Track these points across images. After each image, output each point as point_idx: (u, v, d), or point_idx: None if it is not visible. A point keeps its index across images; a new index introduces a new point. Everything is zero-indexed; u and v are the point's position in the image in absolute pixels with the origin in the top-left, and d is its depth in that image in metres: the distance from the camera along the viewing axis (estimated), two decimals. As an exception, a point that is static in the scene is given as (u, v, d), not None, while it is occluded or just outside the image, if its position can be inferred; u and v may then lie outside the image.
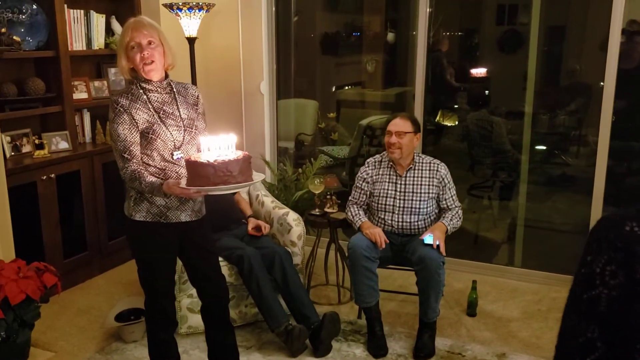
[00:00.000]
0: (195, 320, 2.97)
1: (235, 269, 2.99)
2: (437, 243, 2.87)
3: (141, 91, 2.25)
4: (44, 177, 3.37)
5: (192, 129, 2.34)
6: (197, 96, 2.43)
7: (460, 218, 3.08)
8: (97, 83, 3.97)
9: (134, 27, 2.23)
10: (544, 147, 4.72)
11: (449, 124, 5.44)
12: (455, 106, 5.33)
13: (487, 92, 5.12)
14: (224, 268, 2.98)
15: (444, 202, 3.10)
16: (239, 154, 2.12)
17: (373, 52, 6.18)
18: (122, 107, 2.20)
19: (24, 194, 3.29)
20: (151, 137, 2.23)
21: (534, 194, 4.43)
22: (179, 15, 3.67)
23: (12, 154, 3.42)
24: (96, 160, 3.70)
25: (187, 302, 2.99)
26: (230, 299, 3.03)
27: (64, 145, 3.62)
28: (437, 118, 5.39)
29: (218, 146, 2.11)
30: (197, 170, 2.05)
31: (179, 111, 2.31)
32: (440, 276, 2.84)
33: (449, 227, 3.00)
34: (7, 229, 2.91)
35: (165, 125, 2.26)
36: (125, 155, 2.21)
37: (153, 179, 2.20)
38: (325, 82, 6.20)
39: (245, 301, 3.10)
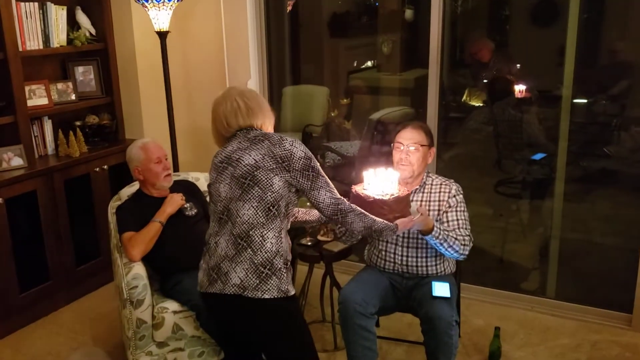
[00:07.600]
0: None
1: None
2: (449, 295, 2.31)
3: None
4: (-10, 203, 2.90)
5: None
6: None
7: (463, 245, 2.40)
8: (60, 85, 3.44)
9: None
10: (584, 137, 4.02)
11: (475, 104, 4.85)
12: (485, 81, 4.70)
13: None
14: (189, 319, 2.50)
15: (448, 224, 2.46)
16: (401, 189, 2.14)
17: (389, 32, 5.54)
18: None
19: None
20: None
21: (570, 196, 3.75)
22: (145, 7, 3.10)
23: (-46, 175, 2.95)
24: (57, 177, 3.20)
25: (146, 360, 2.50)
26: (200, 355, 2.59)
27: (17, 161, 3.12)
28: (464, 97, 4.80)
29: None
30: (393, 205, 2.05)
31: None
32: (451, 338, 2.27)
33: (436, 230, 2.31)
34: None
35: None
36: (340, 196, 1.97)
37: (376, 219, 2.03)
38: (336, 66, 5.59)
39: (218, 357, 2.60)
